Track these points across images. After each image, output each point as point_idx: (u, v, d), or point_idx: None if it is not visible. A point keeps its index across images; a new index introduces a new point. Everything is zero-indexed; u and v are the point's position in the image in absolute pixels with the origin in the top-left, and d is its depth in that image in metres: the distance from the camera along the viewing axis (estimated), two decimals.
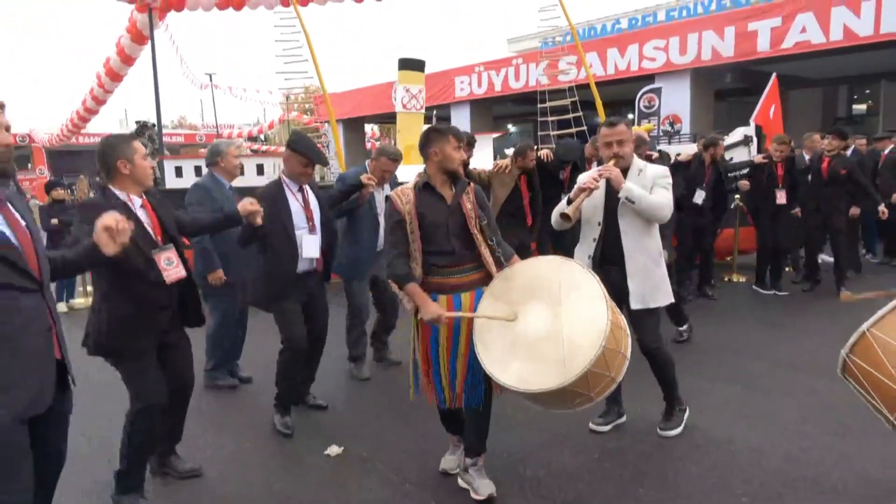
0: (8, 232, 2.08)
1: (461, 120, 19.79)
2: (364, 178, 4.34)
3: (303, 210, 3.86)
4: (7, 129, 2.16)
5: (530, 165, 5.52)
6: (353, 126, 25.44)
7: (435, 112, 18.86)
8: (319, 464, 3.48)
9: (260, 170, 8.66)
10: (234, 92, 32.74)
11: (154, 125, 13.91)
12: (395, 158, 4.61)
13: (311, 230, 3.87)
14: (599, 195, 3.45)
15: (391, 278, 2.95)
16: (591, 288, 2.76)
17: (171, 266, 2.94)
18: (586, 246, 3.56)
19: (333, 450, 3.60)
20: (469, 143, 5.51)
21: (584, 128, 9.14)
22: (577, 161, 5.84)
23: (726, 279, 7.62)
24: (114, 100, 23.65)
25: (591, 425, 3.70)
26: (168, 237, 3.01)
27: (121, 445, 2.93)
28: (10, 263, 2.06)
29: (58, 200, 7.66)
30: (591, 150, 6.26)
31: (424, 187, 2.95)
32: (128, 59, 15.71)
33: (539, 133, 10.30)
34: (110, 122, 35.56)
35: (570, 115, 9.26)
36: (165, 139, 40.75)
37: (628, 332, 2.83)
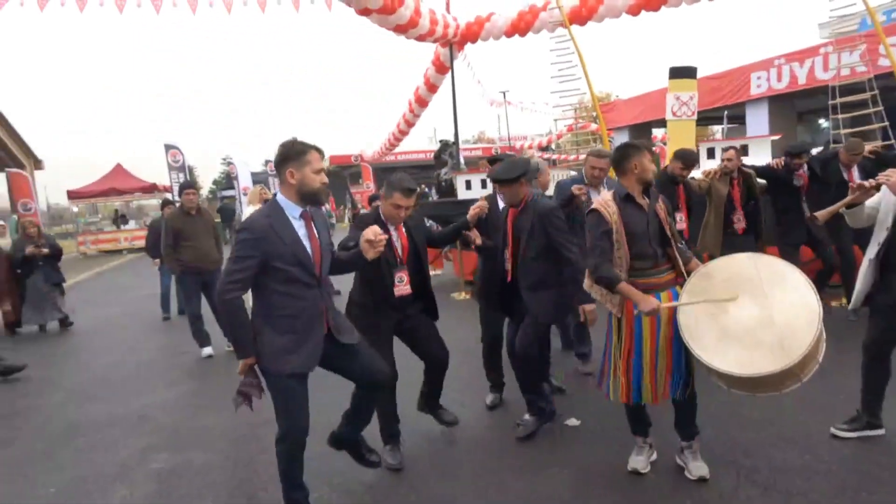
0: (306, 242, 2.92)
1: (757, 119, 18.35)
2: (574, 189, 4.54)
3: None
4: (322, 171, 2.93)
5: (731, 167, 5.58)
6: (641, 131, 25.23)
7: (726, 112, 17.85)
8: (560, 430, 4.09)
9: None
10: (524, 106, 34.97)
11: (454, 143, 15.93)
12: (602, 155, 4.72)
13: None
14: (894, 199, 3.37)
15: (599, 281, 3.23)
16: (795, 277, 2.95)
17: (400, 283, 3.66)
18: (872, 248, 3.51)
19: (572, 421, 4.19)
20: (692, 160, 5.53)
21: (886, 123, 8.09)
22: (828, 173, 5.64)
23: None
24: (425, 120, 27.03)
25: (833, 429, 3.64)
26: (414, 256, 3.74)
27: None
28: (303, 266, 2.89)
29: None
30: (846, 157, 5.85)
31: (625, 198, 3.25)
32: (432, 88, 18.13)
33: (832, 132, 9.35)
34: (421, 140, 40.52)
35: (871, 110, 8.28)
36: (466, 154, 44.41)
37: None
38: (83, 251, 24.84)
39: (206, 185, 54.05)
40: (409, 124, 25.56)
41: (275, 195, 2.98)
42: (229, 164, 30.57)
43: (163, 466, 4.04)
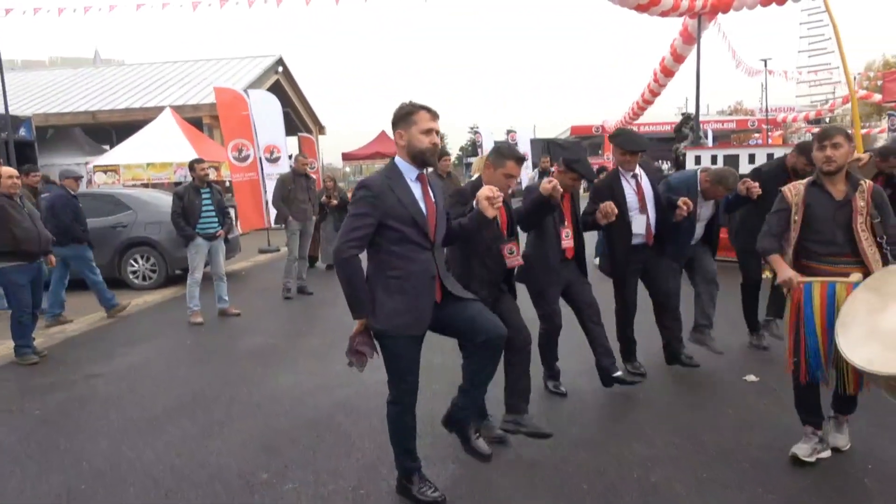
0: (422, 204, 2.90)
1: None
2: (680, 201, 4.46)
3: (635, 194, 4.59)
4: (437, 131, 2.93)
5: (887, 171, 5.01)
6: None
7: None
8: (738, 387, 4.61)
9: (750, 159, 9.36)
10: (788, 76, 31.74)
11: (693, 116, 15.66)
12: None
13: (642, 211, 4.59)
14: None
15: (759, 250, 3.54)
16: None
17: (511, 255, 3.67)
18: None
19: (750, 377, 4.69)
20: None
21: None
22: None
23: None
24: (674, 90, 26.34)
25: None
26: (511, 229, 3.75)
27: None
28: (418, 227, 2.88)
29: None
30: None
31: (812, 184, 3.40)
32: (679, 58, 17.82)
33: None
34: (670, 111, 38.91)
35: None
36: (717, 126, 41.45)
37: None
38: None
39: (453, 152, 58.13)
40: (654, 94, 25.07)
41: (393, 158, 3.02)
42: (476, 132, 32.82)
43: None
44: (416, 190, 2.93)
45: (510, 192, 3.73)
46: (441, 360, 4.80)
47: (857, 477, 3.25)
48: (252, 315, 7.65)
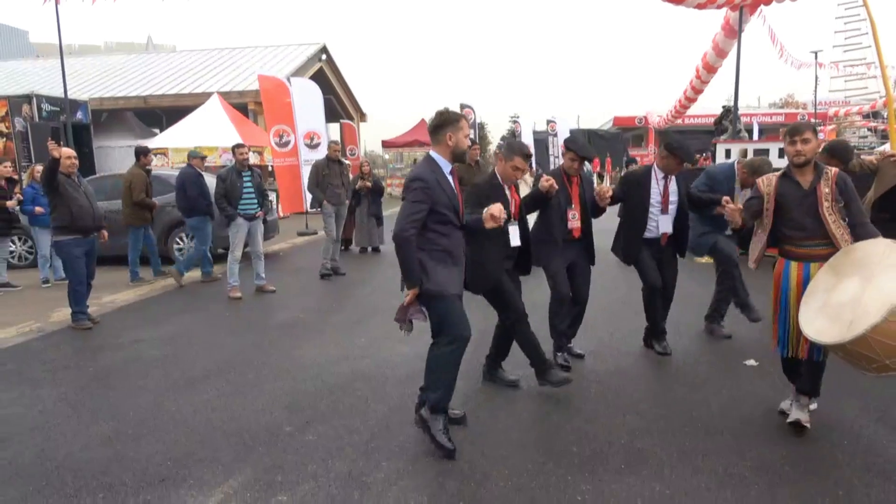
0: (456, 192, 3.52)
1: None
2: (724, 200, 4.20)
3: (660, 194, 4.88)
4: (468, 136, 3.55)
5: None
6: None
7: None
8: (737, 371, 4.84)
9: (780, 153, 9.35)
10: (840, 69, 30.81)
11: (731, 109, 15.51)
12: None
13: (664, 211, 4.88)
14: None
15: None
16: None
17: (514, 237, 4.12)
18: None
19: (750, 362, 4.91)
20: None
21: None
22: None
23: None
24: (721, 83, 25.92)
25: None
26: (522, 215, 4.29)
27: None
28: (455, 212, 3.49)
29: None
30: None
31: (783, 176, 3.69)
32: (721, 53, 17.62)
33: None
34: (713, 104, 38.10)
35: None
36: (764, 119, 40.36)
37: None
38: (389, 192, 29.45)
39: (494, 141, 58.02)
40: (697, 91, 24.75)
41: (429, 154, 3.54)
42: (515, 122, 32.84)
43: None
44: (452, 181, 3.52)
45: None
46: None
47: (830, 451, 3.47)
48: (286, 292, 8.11)
